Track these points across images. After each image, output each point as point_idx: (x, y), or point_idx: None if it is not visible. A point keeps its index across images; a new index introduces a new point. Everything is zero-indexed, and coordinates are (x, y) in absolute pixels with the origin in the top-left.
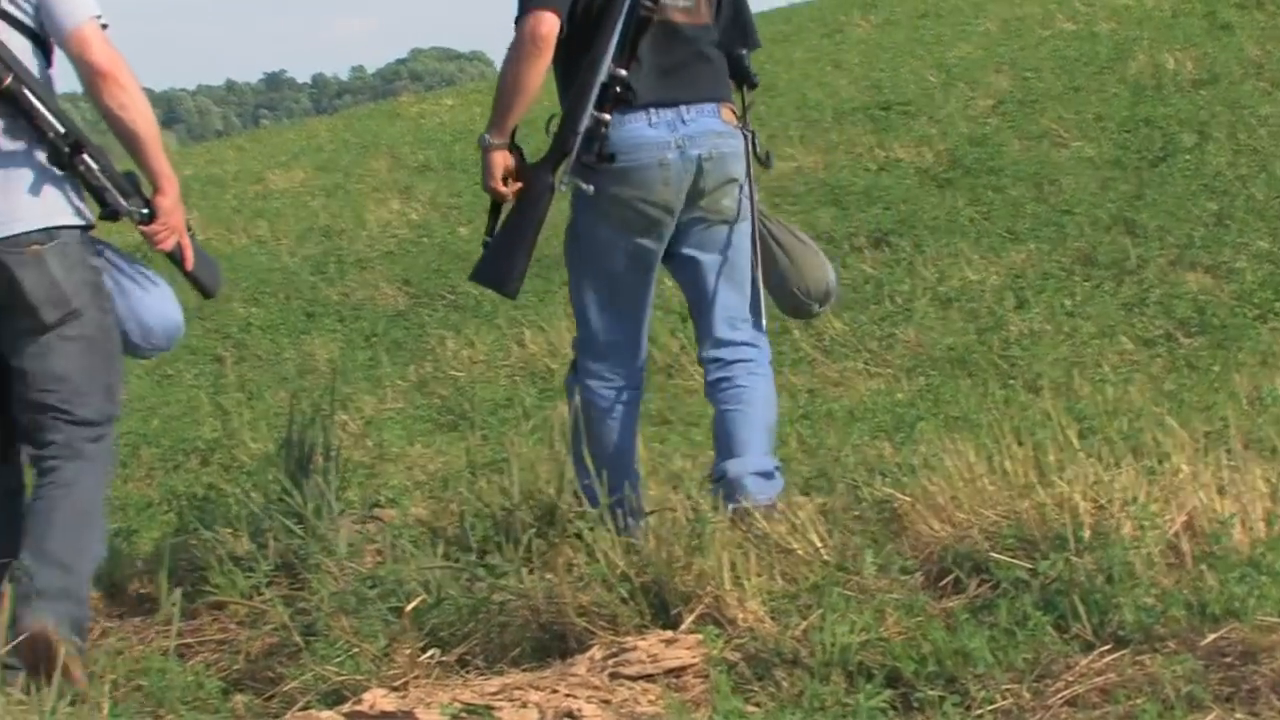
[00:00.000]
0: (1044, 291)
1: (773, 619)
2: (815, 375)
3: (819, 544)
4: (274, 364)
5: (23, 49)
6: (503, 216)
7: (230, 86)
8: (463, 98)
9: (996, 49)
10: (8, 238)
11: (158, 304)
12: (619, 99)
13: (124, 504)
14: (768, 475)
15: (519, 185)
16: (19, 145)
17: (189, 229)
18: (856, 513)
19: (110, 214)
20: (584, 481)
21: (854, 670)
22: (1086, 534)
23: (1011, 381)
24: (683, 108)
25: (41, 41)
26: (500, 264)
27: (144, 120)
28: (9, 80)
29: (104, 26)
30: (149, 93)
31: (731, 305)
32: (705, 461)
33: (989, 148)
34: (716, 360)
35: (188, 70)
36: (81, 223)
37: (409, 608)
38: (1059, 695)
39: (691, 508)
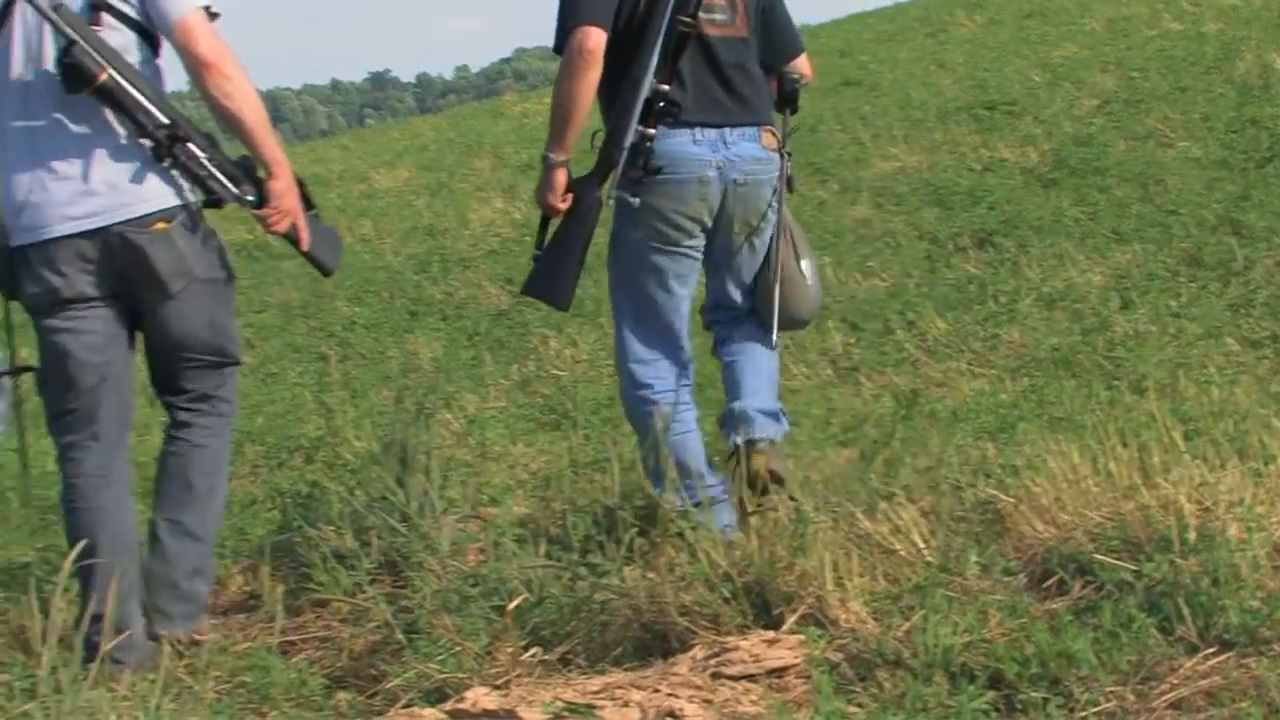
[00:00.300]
0: (1149, 292)
1: (875, 619)
2: (918, 375)
3: (922, 545)
4: (377, 362)
5: (125, 43)
6: (551, 230)
7: (335, 86)
8: None
9: (1102, 48)
10: (134, 219)
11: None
12: (663, 114)
13: (229, 501)
14: (774, 415)
15: (569, 200)
16: (129, 134)
17: (313, 208)
18: (960, 513)
19: (214, 202)
20: (658, 490)
21: (957, 671)
22: (1191, 536)
23: (1116, 382)
24: (726, 130)
25: (147, 33)
26: (553, 277)
27: (250, 108)
28: (104, 76)
29: (214, 16)
30: (257, 91)
31: (743, 278)
32: (807, 461)
33: (1094, 148)
34: (718, 321)
35: (293, 69)
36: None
37: (511, 606)
38: (1163, 698)
39: (794, 508)
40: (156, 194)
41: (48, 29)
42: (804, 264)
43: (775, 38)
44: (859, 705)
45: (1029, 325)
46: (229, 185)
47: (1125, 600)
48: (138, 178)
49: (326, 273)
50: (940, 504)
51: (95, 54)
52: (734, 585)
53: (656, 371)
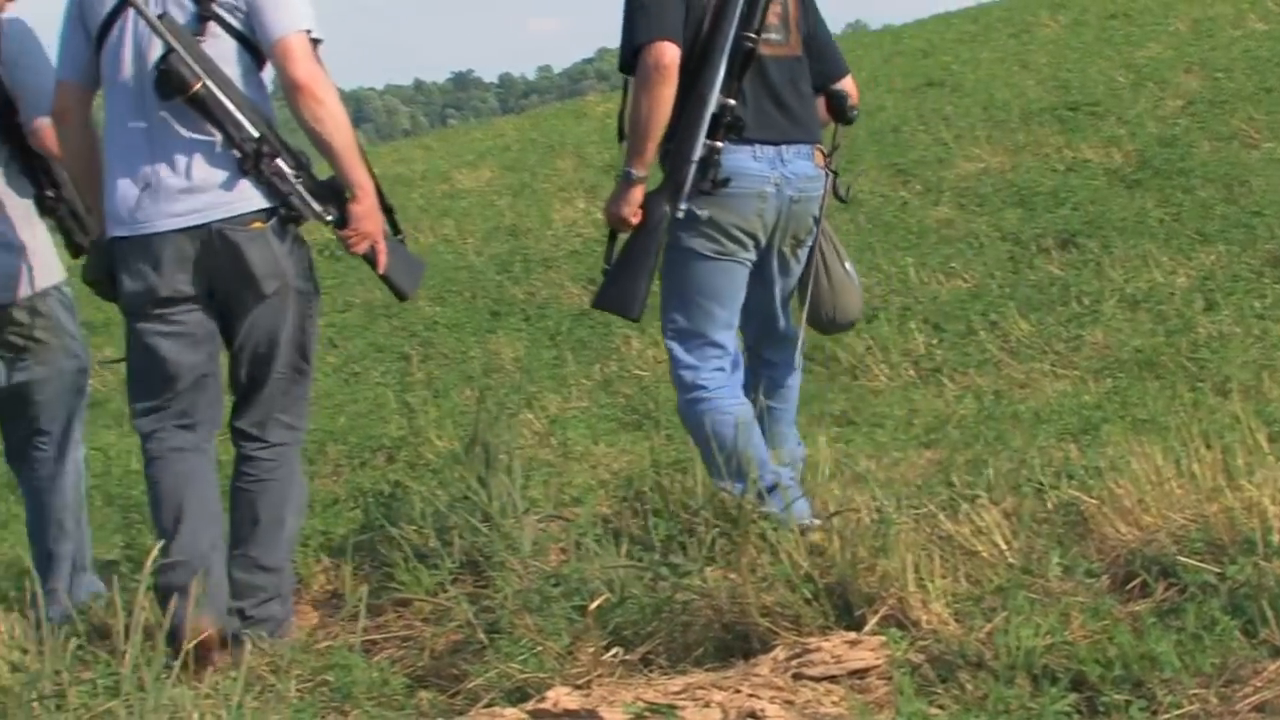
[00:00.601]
0: (1233, 294)
1: (957, 621)
2: (1001, 376)
3: (1004, 546)
4: (460, 362)
5: (227, 53)
6: (619, 244)
7: (418, 86)
8: None
9: (1186, 49)
10: (233, 217)
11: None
12: (729, 128)
13: (311, 500)
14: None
15: (639, 215)
16: (223, 140)
17: (398, 232)
18: (1042, 515)
19: (293, 218)
20: (739, 489)
21: (1039, 673)
22: (1276, 538)
23: (1200, 384)
24: (783, 147)
25: (252, 47)
26: (624, 289)
27: (339, 132)
28: (197, 86)
29: (316, 42)
30: (340, 91)
31: (787, 290)
32: (889, 462)
33: (1178, 149)
34: (751, 362)
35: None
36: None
37: (593, 606)
38: (1247, 701)
39: (876, 509)
40: (252, 195)
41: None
42: (847, 265)
43: (819, 58)
44: (940, 707)
45: (1112, 326)
46: (311, 203)
47: (1209, 602)
48: (235, 179)
49: (401, 297)
50: (1023, 505)
51: (192, 63)
52: (816, 586)
53: (708, 376)
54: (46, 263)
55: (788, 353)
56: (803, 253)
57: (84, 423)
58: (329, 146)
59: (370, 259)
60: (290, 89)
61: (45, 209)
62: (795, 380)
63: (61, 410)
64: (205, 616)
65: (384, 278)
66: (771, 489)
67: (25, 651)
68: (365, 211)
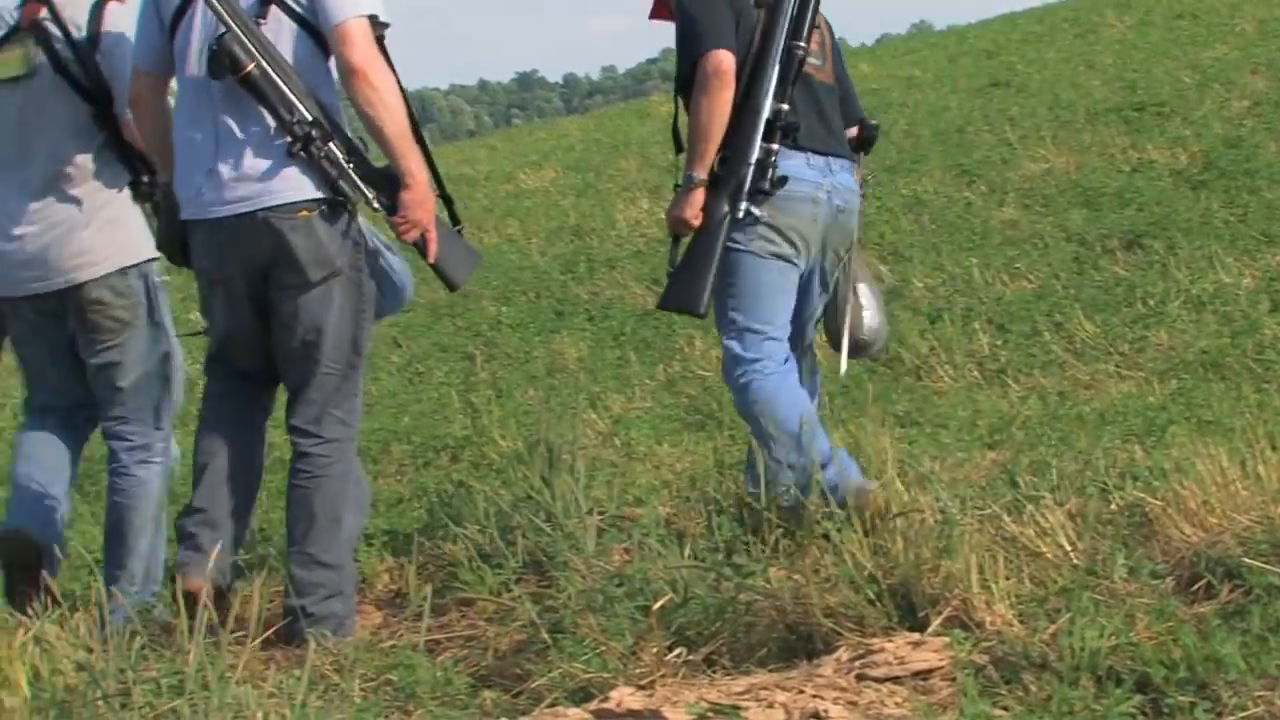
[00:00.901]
0: None
1: (1021, 622)
2: (1065, 377)
3: (1068, 547)
4: (523, 362)
5: (287, 38)
6: (682, 247)
7: (483, 86)
8: None
9: (1253, 50)
10: (279, 205)
11: (401, 270)
12: (784, 132)
13: (375, 499)
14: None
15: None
16: (276, 126)
17: (455, 222)
18: (1107, 516)
19: (342, 203)
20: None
21: (1103, 675)
22: None
23: (1266, 385)
24: (831, 159)
25: (315, 31)
26: (689, 288)
27: (392, 119)
28: (250, 67)
29: (382, 26)
30: (404, 91)
31: (815, 306)
32: (953, 463)
33: (1244, 149)
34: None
35: (441, 70)
36: (339, 197)
37: (656, 606)
38: None
39: (940, 509)
40: (302, 183)
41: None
42: (861, 287)
43: (844, 99)
44: (1004, 708)
45: (1177, 328)
46: (362, 188)
47: (1274, 604)
48: (282, 166)
49: (452, 287)
50: (1088, 506)
51: (247, 43)
52: (879, 587)
53: (765, 364)
54: (128, 241)
55: (806, 366)
56: (838, 271)
57: (172, 421)
58: (380, 131)
59: (421, 247)
60: (345, 73)
61: (140, 195)
62: (812, 396)
63: (145, 399)
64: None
65: (434, 266)
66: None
67: (90, 650)
68: (416, 200)
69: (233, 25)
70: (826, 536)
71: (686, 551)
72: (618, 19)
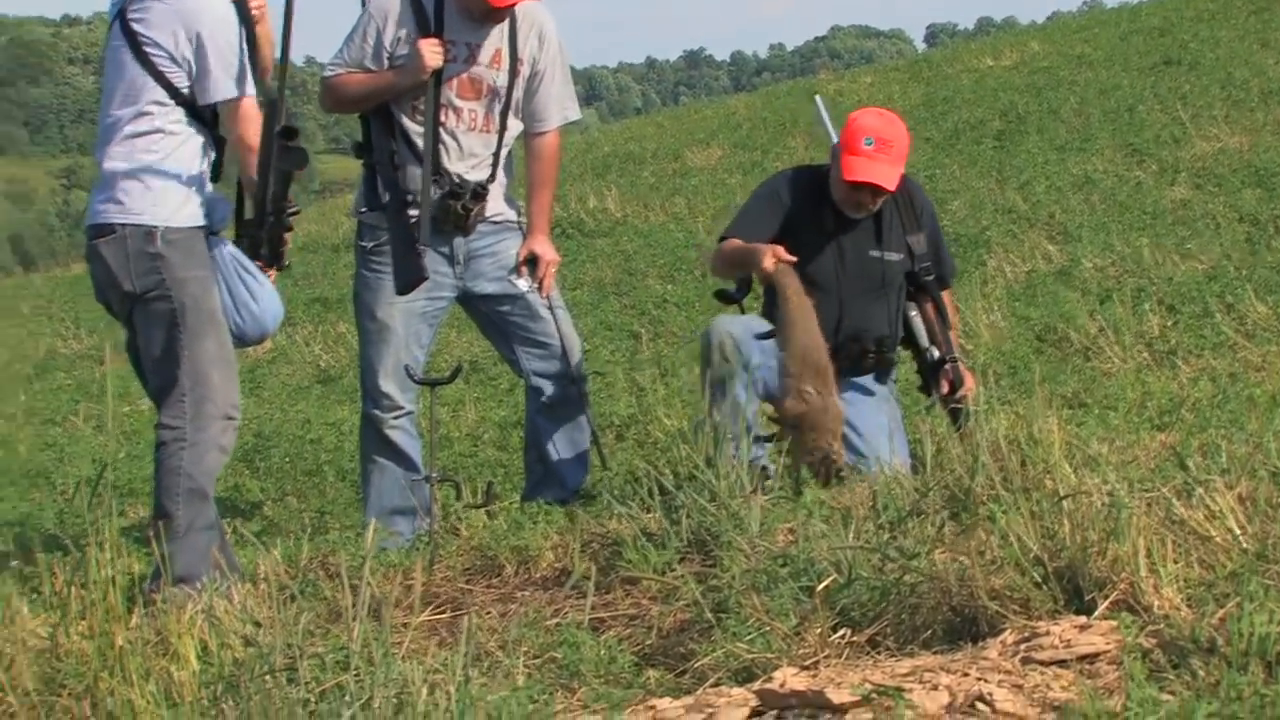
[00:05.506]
0: None
1: (1189, 606)
2: (1237, 359)
3: (1238, 531)
4: (689, 341)
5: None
6: None
7: (650, 64)
8: (880, 75)
9: None
10: None
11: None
12: None
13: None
14: None
15: None
16: None
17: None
18: (1277, 500)
19: None
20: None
21: (1272, 661)
22: None
23: None
24: None
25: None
26: None
27: None
28: None
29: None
30: (572, 69)
31: None
32: (1121, 445)
33: None
34: None
35: (609, 47)
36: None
37: (820, 587)
38: None
39: (1108, 492)
40: None
41: None
42: None
43: None
44: (1171, 693)
45: None
46: None
47: None
48: None
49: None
50: (1258, 490)
51: None
52: (1045, 570)
53: None
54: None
55: None
56: None
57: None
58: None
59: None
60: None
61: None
62: None
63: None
64: None
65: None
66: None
67: (258, 625)
68: None
69: None
70: (992, 518)
71: (851, 532)
72: None
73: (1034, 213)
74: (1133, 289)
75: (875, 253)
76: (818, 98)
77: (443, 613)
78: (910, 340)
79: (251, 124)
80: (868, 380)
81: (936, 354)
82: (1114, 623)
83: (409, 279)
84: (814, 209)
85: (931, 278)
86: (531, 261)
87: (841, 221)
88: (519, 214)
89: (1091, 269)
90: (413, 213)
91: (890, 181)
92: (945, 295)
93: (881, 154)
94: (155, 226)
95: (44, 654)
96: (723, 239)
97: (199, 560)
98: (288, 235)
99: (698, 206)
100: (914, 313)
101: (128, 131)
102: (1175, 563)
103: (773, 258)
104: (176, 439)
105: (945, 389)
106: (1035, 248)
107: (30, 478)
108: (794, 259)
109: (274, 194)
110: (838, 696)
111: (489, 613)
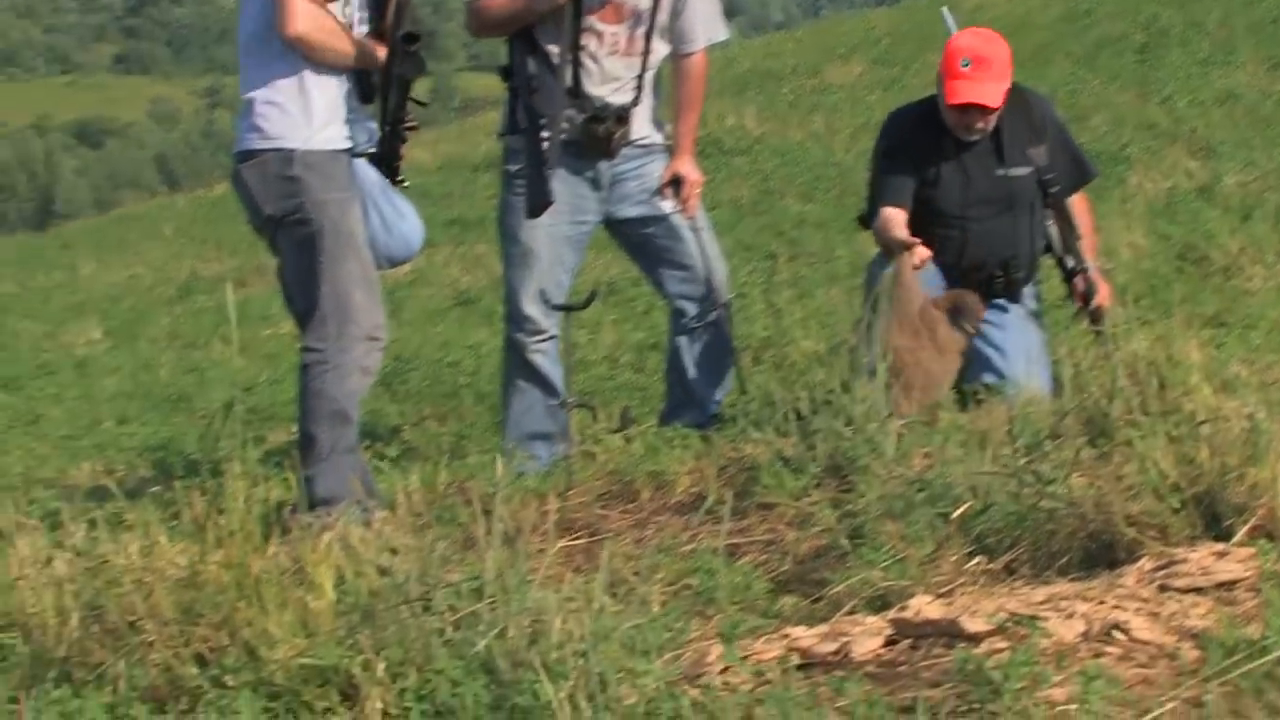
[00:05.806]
0: None
1: None
2: None
3: None
4: (826, 261)
5: None
6: None
7: None
8: None
9: None
10: None
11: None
12: None
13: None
14: None
15: None
16: None
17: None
18: None
19: None
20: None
21: None
22: None
23: None
24: None
25: None
26: None
27: None
28: None
29: None
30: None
31: None
32: (1262, 366)
33: None
34: None
35: None
36: None
37: (956, 514)
38: None
39: (1247, 415)
40: None
41: None
42: None
43: None
44: None
45: None
46: None
47: None
48: None
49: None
50: None
51: None
52: (1183, 495)
53: None
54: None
55: None
56: None
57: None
58: None
59: None
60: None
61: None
62: None
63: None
64: None
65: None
66: None
67: (394, 553)
68: None
69: None
70: (1130, 443)
71: (987, 457)
72: None
73: (1176, 128)
74: (1276, 205)
75: (1000, 171)
76: (944, 10)
77: (578, 539)
78: (1051, 251)
79: (298, 18)
80: (1002, 300)
81: (1071, 264)
82: (1252, 549)
83: (535, 202)
84: (932, 141)
85: (1057, 189)
86: (676, 183)
87: (961, 146)
88: (665, 136)
89: (1234, 185)
90: (545, 134)
91: (993, 99)
92: (1081, 204)
93: (980, 72)
94: (293, 150)
95: (182, 583)
96: (871, 214)
97: (340, 484)
98: (403, 149)
99: (836, 124)
100: (1050, 223)
101: (264, 55)
102: None
103: (917, 259)
104: (319, 361)
105: (1078, 301)
106: (1177, 164)
107: (172, 401)
108: (930, 254)
109: (393, 105)
110: (972, 625)
111: (624, 539)
